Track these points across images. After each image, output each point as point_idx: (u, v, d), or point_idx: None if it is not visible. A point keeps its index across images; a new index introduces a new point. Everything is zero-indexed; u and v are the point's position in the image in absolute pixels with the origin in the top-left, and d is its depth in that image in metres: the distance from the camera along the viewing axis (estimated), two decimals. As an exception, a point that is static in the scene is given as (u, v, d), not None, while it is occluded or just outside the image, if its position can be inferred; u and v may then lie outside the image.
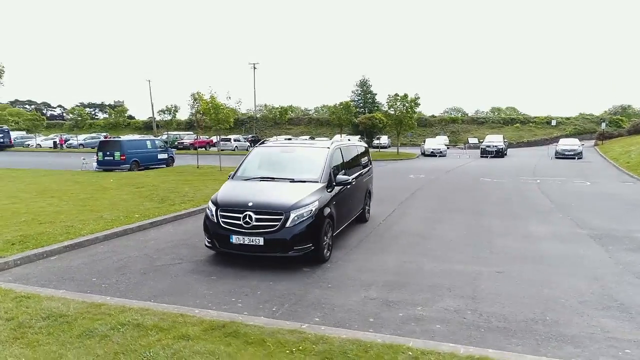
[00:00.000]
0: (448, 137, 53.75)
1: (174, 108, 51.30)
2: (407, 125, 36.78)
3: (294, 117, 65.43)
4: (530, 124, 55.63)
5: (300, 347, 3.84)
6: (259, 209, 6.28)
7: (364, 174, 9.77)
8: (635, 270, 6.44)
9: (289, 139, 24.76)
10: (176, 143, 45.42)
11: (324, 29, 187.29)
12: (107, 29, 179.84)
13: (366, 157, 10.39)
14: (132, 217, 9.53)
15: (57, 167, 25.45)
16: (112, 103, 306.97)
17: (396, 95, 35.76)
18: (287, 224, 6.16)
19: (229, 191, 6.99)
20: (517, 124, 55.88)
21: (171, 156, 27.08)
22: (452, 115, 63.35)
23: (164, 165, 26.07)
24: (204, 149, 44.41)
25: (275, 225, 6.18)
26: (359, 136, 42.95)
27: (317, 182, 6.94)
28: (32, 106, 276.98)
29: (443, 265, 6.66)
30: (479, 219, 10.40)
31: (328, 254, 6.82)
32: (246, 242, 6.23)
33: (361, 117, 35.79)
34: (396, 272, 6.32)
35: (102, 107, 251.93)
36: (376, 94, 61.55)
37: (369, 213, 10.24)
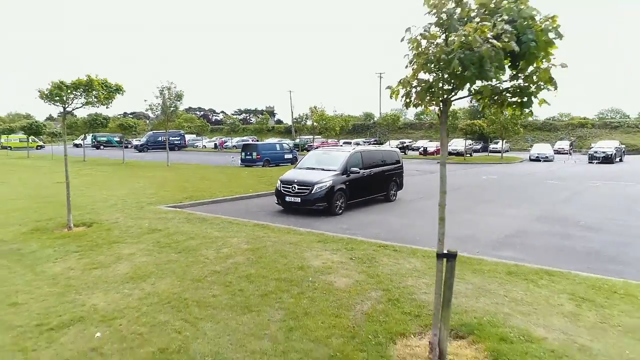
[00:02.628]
0: (573, 142, 51.85)
1: (305, 116, 59.55)
2: (513, 132, 38.28)
3: (412, 122, 69.18)
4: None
5: (300, 233, 9.24)
6: (299, 184, 11.83)
7: (388, 170, 14.49)
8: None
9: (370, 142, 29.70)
10: (306, 146, 53.27)
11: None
12: (262, 45, 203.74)
13: (394, 159, 15.07)
14: (247, 191, 15.92)
15: (215, 163, 34.44)
16: (264, 108, 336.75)
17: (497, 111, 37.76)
18: (312, 191, 11.56)
19: (288, 174, 12.69)
20: (658, 129, 51.10)
21: (295, 156, 34.07)
22: (582, 119, 59.89)
23: (290, 163, 33.18)
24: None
25: (306, 192, 11.64)
26: (471, 141, 45.29)
27: (336, 170, 12.19)
28: (201, 112, 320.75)
29: (423, 224, 11.33)
30: (478, 205, 14.30)
31: (340, 211, 11.98)
32: (292, 200, 11.83)
33: (462, 123, 38.49)
34: (374, 222, 11.22)
35: (255, 112, 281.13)
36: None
37: (395, 196, 14.93)
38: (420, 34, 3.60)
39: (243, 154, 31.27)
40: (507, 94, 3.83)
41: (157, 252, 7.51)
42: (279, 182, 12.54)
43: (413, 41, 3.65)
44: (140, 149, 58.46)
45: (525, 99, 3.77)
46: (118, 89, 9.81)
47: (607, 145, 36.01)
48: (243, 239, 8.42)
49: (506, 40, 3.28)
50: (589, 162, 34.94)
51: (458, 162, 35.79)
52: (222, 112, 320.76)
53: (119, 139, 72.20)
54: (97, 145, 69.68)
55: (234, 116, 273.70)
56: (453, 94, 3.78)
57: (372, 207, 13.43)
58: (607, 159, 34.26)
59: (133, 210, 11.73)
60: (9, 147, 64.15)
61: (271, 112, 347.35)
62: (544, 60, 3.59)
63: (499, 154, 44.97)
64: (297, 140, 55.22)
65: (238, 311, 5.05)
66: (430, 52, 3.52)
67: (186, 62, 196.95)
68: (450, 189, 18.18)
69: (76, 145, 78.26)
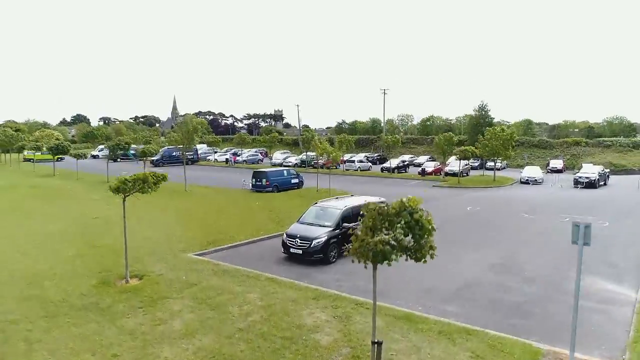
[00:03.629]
0: (567, 160, 54.48)
1: (314, 130, 62.56)
2: (504, 156, 40.96)
3: (415, 138, 72.03)
4: (665, 148, 52.68)
5: (300, 287, 12.26)
6: (301, 238, 14.86)
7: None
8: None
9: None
10: (312, 163, 56.28)
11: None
12: (272, 49, 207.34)
13: (381, 208, 18.00)
14: (259, 233, 18.98)
15: (228, 185, 37.53)
16: (273, 112, 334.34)
17: (494, 128, 40.63)
18: (311, 245, 14.58)
19: (292, 229, 15.71)
20: (649, 148, 53.46)
21: (301, 180, 37.09)
22: (576, 138, 62.32)
23: (296, 187, 36.22)
24: (335, 167, 54.57)
25: (307, 246, 14.66)
26: (467, 161, 48.03)
27: (330, 227, 15.20)
28: (211, 116, 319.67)
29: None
30: (451, 247, 17.20)
31: (334, 260, 14.98)
32: (295, 252, 14.88)
33: (457, 150, 41.25)
34: (358, 272, 14.16)
35: (263, 117, 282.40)
36: (493, 118, 64.34)
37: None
38: (360, 230, 6.62)
39: (254, 180, 34.36)
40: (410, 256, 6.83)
41: (198, 309, 10.59)
42: (284, 234, 15.60)
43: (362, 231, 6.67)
44: (156, 163, 61.76)
45: (420, 256, 6.77)
46: (164, 178, 12.91)
47: (591, 170, 38.60)
48: (258, 295, 11.46)
49: (400, 239, 6.29)
50: (574, 186, 37.58)
51: (452, 186, 38.55)
52: (232, 115, 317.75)
53: (134, 152, 75.79)
54: (114, 158, 73.02)
55: (244, 120, 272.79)
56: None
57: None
58: (591, 184, 36.91)
59: (170, 258, 14.84)
60: (32, 159, 67.18)
61: (279, 116, 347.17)
62: (427, 236, 6.59)
63: (494, 173, 47.55)
64: (304, 156, 58.22)
65: (257, 363, 8.09)
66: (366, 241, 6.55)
67: (196, 65, 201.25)
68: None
69: (93, 157, 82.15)
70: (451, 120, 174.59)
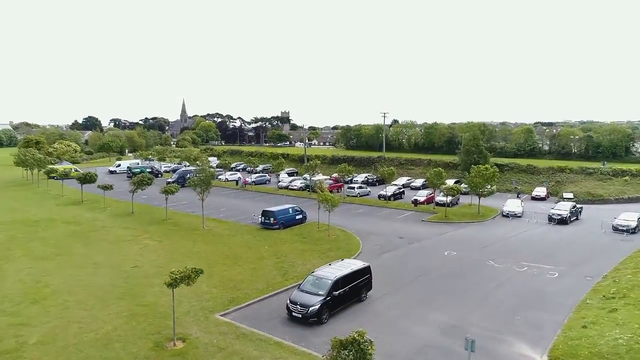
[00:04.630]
0: (551, 186, 58.82)
1: (320, 130, 67.24)
2: (488, 192, 45.29)
3: (412, 159, 76.61)
4: (641, 178, 56.72)
5: (298, 352, 17.05)
6: (300, 305, 19.66)
7: (360, 283, 22.13)
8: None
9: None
10: (315, 188, 60.94)
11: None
12: (278, 53, 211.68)
13: (366, 274, 22.70)
14: (269, 289, 23.78)
15: (239, 216, 42.37)
16: (279, 114, 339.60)
17: (478, 167, 45.20)
18: (308, 312, 19.37)
19: (294, 296, 20.47)
20: (627, 177, 57.37)
21: (304, 216, 41.78)
22: (561, 164, 66.41)
23: (300, 223, 40.92)
24: (337, 191, 59.52)
25: (305, 311, 19.46)
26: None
27: (323, 295, 19.96)
28: (219, 119, 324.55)
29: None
30: (414, 308, 21.88)
31: (325, 320, 19.75)
32: (296, 315, 19.69)
33: (446, 186, 45.87)
34: (346, 331, 18.93)
35: (270, 120, 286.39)
36: (488, 152, 68.51)
37: (365, 297, 22.61)
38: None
39: (263, 218, 39.16)
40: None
41: (228, 373, 15.42)
42: (288, 300, 20.39)
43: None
44: (171, 184, 66.78)
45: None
46: (201, 272, 17.72)
47: (563, 207, 42.88)
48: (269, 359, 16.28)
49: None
50: (548, 222, 42.01)
51: (439, 221, 43.06)
52: (239, 117, 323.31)
53: (150, 170, 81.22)
54: (131, 176, 78.28)
55: (251, 124, 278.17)
56: None
57: (350, 310, 21.23)
58: (562, 221, 41.34)
59: (202, 320, 19.67)
60: (55, 176, 71.74)
61: (286, 118, 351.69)
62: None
63: (478, 205, 51.43)
64: (309, 182, 62.96)
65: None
66: None
67: (205, 67, 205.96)
68: (406, 281, 25.58)
69: (111, 172, 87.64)
70: (454, 126, 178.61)
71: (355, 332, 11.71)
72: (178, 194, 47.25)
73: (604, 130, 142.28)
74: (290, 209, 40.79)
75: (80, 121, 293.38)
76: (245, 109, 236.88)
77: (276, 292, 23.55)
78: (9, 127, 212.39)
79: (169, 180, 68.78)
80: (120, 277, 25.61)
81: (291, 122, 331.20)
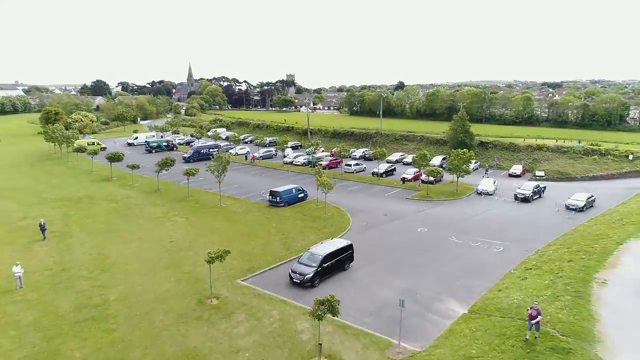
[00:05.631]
0: (529, 164, 65.48)
1: (325, 93, 73.88)
2: (464, 171, 52.00)
3: (407, 134, 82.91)
4: (609, 157, 62.80)
5: (296, 306, 24.79)
6: (299, 274, 27.32)
7: (344, 257, 29.71)
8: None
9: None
10: (316, 165, 67.96)
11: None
12: (283, 13, 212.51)
13: (347, 250, 30.22)
14: (275, 261, 31.47)
15: (251, 193, 49.80)
16: (285, 77, 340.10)
17: (457, 151, 51.92)
18: (304, 279, 27.03)
19: (295, 267, 28.07)
20: (596, 156, 63.59)
21: (305, 194, 49.11)
22: (539, 142, 72.38)
23: (302, 200, 48.30)
24: (336, 167, 66.69)
25: (302, 278, 27.12)
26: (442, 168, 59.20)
27: (315, 266, 27.56)
28: (225, 83, 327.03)
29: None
30: (388, 276, 29.45)
31: (317, 284, 27.43)
32: (296, 281, 27.40)
33: (428, 168, 52.73)
34: (330, 292, 26.61)
35: (275, 85, 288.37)
36: (472, 133, 74.24)
37: (348, 267, 30.24)
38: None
39: (271, 197, 46.58)
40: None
41: (247, 320, 23.19)
42: (290, 270, 28.03)
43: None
44: (187, 159, 74.10)
45: None
46: (228, 252, 25.26)
47: (527, 187, 49.75)
48: (277, 311, 24.03)
49: None
50: (514, 200, 49.10)
51: (421, 199, 50.28)
52: (245, 81, 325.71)
53: (166, 144, 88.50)
54: (149, 149, 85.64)
55: (257, 89, 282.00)
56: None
57: (336, 277, 28.87)
58: (525, 200, 48.43)
59: (228, 284, 27.41)
60: (82, 150, 78.89)
61: (291, 82, 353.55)
62: None
63: (456, 184, 57.84)
64: (311, 158, 69.99)
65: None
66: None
67: (210, 30, 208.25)
68: (381, 255, 32.96)
69: (129, 144, 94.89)
70: (455, 93, 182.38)
71: (329, 295, 19.17)
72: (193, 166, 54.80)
73: (600, 99, 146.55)
74: (293, 189, 48.10)
75: (88, 84, 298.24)
76: (251, 72, 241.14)
77: (281, 263, 31.23)
78: (22, 94, 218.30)
79: (185, 155, 75.94)
80: (161, 251, 33.41)
81: (296, 85, 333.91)
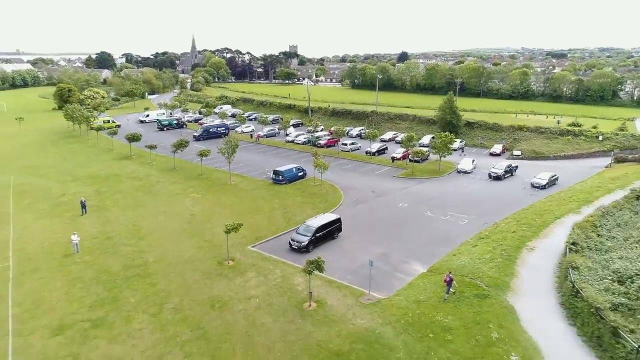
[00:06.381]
0: (509, 143, 71.71)
1: (327, 65, 79.95)
2: (446, 152, 58.38)
3: (400, 114, 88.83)
4: (581, 137, 68.80)
5: (294, 267, 32.03)
6: (297, 242, 34.47)
7: (333, 228, 36.73)
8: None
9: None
10: (316, 142, 74.45)
11: None
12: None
13: (336, 223, 37.22)
14: (279, 230, 38.60)
15: (256, 171, 56.61)
16: (287, 49, 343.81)
17: (439, 134, 58.25)
18: (300, 246, 34.18)
19: (293, 236, 35.16)
20: (570, 137, 69.52)
21: (305, 172, 55.86)
22: (520, 123, 78.16)
23: (301, 178, 55.11)
24: (334, 145, 73.18)
25: (299, 245, 34.29)
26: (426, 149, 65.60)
27: (310, 236, 34.65)
28: (229, 54, 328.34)
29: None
30: (369, 245, 36.55)
31: (311, 250, 34.59)
32: (294, 247, 34.59)
33: (414, 149, 59.15)
34: (320, 255, 33.77)
35: (278, 58, 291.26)
36: (462, 115, 79.90)
37: (337, 236, 37.35)
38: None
39: (274, 175, 53.44)
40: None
41: (256, 276, 30.45)
42: (290, 238, 35.17)
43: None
44: (197, 138, 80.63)
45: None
46: (241, 225, 32.39)
47: (500, 166, 56.23)
48: (279, 270, 31.26)
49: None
50: (489, 178, 55.71)
51: (407, 177, 57.01)
52: (248, 52, 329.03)
53: (176, 122, 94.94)
54: (161, 127, 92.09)
55: (260, 61, 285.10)
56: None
57: (326, 244, 35.97)
58: (497, 178, 55.05)
59: (240, 249, 34.63)
60: (99, 129, 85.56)
61: (294, 53, 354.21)
62: None
63: (439, 163, 63.72)
64: (311, 137, 76.37)
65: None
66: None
67: (213, 0, 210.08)
68: (365, 227, 39.87)
69: (141, 121, 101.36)
70: (454, 67, 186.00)
71: (317, 257, 26.20)
72: (203, 145, 61.39)
73: (595, 75, 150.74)
74: (294, 168, 54.89)
75: (92, 55, 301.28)
76: (254, 43, 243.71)
77: (283, 233, 38.34)
78: (31, 67, 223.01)
79: (195, 134, 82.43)
80: (184, 223, 40.58)
81: (299, 56, 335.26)
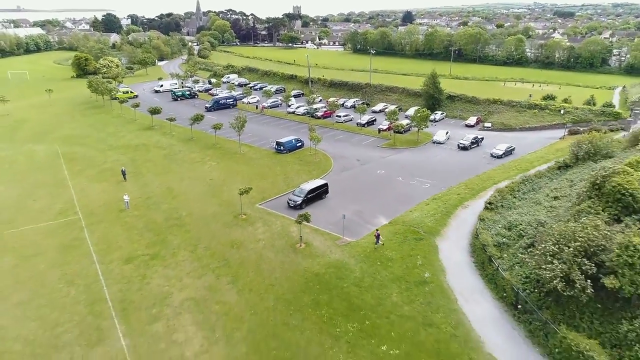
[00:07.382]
0: (484, 115, 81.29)
1: (331, 26, 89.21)
2: (424, 125, 68.27)
3: (391, 87, 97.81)
4: (546, 111, 77.93)
5: (290, 220, 43.26)
6: (292, 200, 45.59)
7: (322, 191, 47.65)
8: (344, 218, 44.01)
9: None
10: (314, 114, 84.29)
11: None
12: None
13: (324, 187, 48.12)
14: (280, 192, 49.69)
15: (263, 141, 67.14)
16: (291, 10, 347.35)
17: (418, 109, 67.99)
18: (296, 204, 45.28)
19: (290, 196, 46.24)
20: (536, 110, 78.67)
21: (302, 143, 66.25)
22: (495, 96, 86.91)
23: (299, 149, 65.57)
24: (329, 116, 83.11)
25: (294, 202, 45.40)
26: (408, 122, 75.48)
27: (303, 197, 45.70)
28: (233, 16, 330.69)
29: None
30: (351, 204, 47.59)
31: (303, 207, 45.70)
32: (291, 205, 45.69)
33: (395, 124, 69.02)
34: (309, 210, 44.87)
35: (282, 21, 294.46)
36: (443, 90, 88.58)
37: (325, 196, 48.34)
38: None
39: (276, 146, 64.06)
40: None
41: (263, 227, 41.75)
42: (288, 198, 46.26)
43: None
44: (209, 109, 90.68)
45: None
46: (250, 189, 43.54)
47: (467, 138, 66.07)
48: (279, 222, 42.49)
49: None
50: (457, 149, 65.87)
51: (390, 147, 67.27)
52: (252, 14, 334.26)
53: (189, 92, 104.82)
54: (175, 98, 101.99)
55: (264, 24, 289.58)
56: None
57: (316, 203, 47.04)
58: (464, 148, 65.17)
59: (251, 206, 45.83)
60: (119, 99, 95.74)
61: (297, 15, 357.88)
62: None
63: (417, 135, 73.99)
64: (309, 108, 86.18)
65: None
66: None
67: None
68: (348, 190, 50.78)
69: (156, 91, 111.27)
70: (452, 34, 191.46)
71: (306, 212, 37.24)
72: (217, 120, 71.82)
73: (586, 42, 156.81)
74: (293, 140, 65.40)
75: (99, 17, 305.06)
76: (258, 2, 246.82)
77: (283, 194, 49.39)
78: (42, 32, 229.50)
79: (207, 105, 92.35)
80: (205, 186, 51.73)
81: (302, 17, 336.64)
